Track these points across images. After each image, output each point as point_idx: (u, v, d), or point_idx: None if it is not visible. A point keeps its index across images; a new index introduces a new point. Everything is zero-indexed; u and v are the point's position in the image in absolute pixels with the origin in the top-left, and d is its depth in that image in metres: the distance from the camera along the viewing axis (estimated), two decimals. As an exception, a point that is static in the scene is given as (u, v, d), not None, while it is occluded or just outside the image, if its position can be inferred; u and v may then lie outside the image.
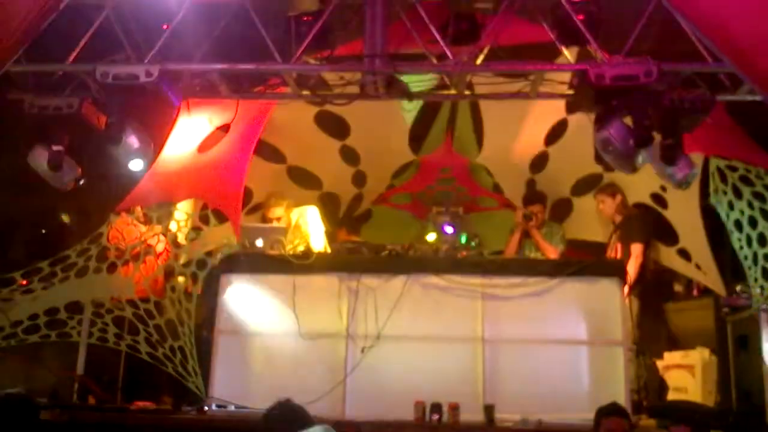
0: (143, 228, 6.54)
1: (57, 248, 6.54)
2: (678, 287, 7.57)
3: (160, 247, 6.52)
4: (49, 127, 5.50)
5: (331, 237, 7.41)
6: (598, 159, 6.82)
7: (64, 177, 5.59)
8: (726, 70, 5.25)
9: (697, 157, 5.92)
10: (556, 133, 7.68)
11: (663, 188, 6.99)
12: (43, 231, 7.54)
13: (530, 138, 7.85)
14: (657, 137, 5.09)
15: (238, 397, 5.88)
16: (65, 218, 7.19)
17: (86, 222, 6.74)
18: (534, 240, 7.21)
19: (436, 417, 5.49)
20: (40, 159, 5.52)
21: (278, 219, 7.14)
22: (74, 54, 5.48)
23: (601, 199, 7.31)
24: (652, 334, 6.94)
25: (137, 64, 5.35)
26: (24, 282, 6.27)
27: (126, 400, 6.29)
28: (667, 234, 7.25)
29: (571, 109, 6.76)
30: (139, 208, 6.58)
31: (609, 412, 4.34)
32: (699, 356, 6.43)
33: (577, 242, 7.69)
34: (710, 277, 6.72)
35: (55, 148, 5.46)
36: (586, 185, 7.94)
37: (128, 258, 6.38)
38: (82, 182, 5.69)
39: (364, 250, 6.44)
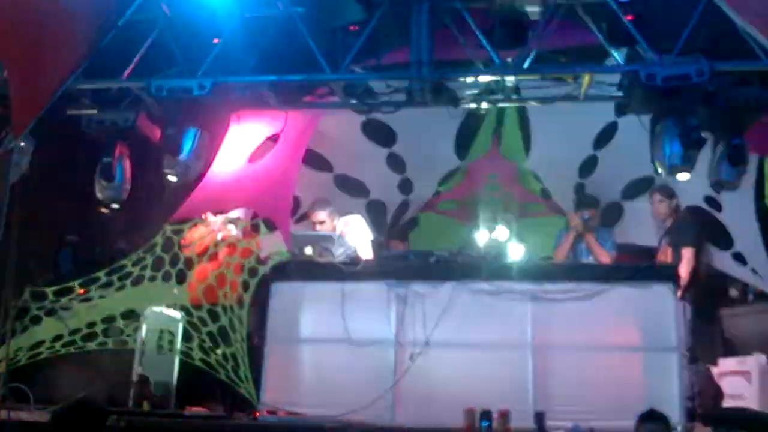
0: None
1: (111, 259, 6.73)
2: (733, 292, 7.39)
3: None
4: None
5: (377, 245, 7.43)
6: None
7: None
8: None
9: (751, 158, 5.79)
10: (605, 135, 7.59)
11: (717, 190, 6.84)
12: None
13: (579, 141, 7.77)
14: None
15: (289, 404, 5.94)
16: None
17: (141, 232, 6.90)
18: (588, 244, 7.11)
19: (486, 424, 5.45)
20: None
21: (322, 222, 7.09)
22: (129, 69, 5.65)
23: (659, 198, 7.08)
24: (706, 339, 6.78)
25: (190, 77, 5.50)
26: (82, 291, 6.44)
27: (179, 405, 6.42)
28: (722, 237, 7.09)
29: (621, 111, 6.67)
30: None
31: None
32: (755, 362, 6.26)
33: (627, 246, 7.57)
34: (767, 281, 6.55)
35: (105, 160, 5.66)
36: (637, 188, 7.82)
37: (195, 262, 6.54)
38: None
39: (412, 257, 6.45)
